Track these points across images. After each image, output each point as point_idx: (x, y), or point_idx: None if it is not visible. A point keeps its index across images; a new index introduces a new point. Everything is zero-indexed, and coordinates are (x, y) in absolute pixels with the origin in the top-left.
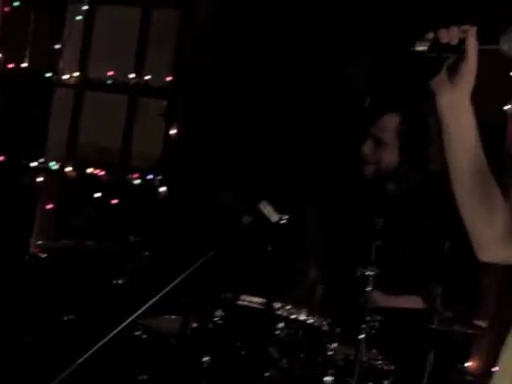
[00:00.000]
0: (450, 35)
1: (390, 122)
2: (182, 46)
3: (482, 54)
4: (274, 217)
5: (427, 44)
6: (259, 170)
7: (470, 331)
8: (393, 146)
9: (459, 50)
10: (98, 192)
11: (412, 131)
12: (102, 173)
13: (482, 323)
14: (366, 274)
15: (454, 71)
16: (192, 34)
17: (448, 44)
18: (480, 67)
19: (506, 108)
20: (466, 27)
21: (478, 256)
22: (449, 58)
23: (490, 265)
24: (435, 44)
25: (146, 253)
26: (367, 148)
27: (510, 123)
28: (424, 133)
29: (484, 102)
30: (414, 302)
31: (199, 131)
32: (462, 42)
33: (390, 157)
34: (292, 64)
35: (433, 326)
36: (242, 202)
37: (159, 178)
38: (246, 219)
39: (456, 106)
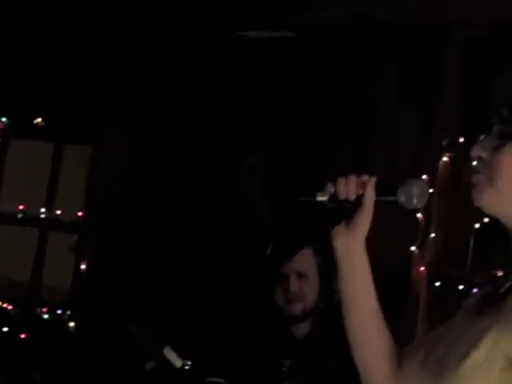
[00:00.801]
0: (348, 190)
1: (305, 255)
2: (93, 182)
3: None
4: (177, 362)
5: (327, 195)
6: (169, 310)
7: None
8: (314, 279)
9: (358, 201)
10: (5, 326)
11: (327, 262)
12: (10, 307)
13: None
14: None
15: (350, 218)
16: (103, 169)
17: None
18: (386, 209)
19: (412, 249)
20: (364, 178)
21: None
22: (348, 207)
23: None
24: (335, 197)
25: None
26: (293, 285)
27: (416, 265)
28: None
29: (390, 243)
30: None
31: (109, 265)
32: (361, 196)
33: (313, 291)
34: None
35: None
36: (151, 340)
37: (68, 312)
38: (150, 364)
39: (350, 251)
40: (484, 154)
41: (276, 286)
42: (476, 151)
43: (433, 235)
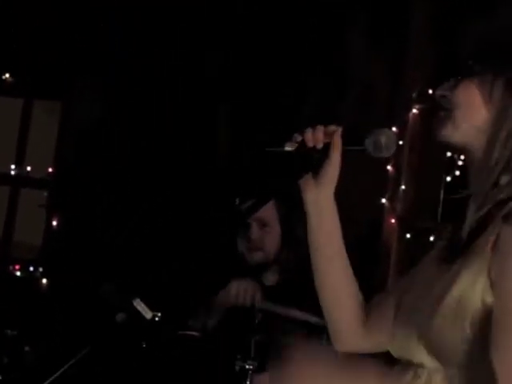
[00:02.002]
0: (315, 139)
1: (271, 205)
2: (63, 138)
3: (350, 152)
4: (147, 314)
5: (295, 145)
6: (139, 263)
7: None
8: (276, 229)
9: (325, 150)
10: None
11: (290, 213)
12: None
13: None
14: (246, 367)
15: (318, 168)
16: (73, 125)
17: (314, 147)
18: (356, 162)
19: (383, 201)
20: (331, 128)
21: (334, 345)
22: (316, 156)
23: None
24: (303, 146)
25: (26, 348)
26: (255, 233)
27: (387, 217)
28: (300, 215)
29: (361, 196)
30: None
31: (80, 221)
32: (328, 144)
33: (275, 241)
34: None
35: None
36: (122, 296)
37: (40, 269)
38: (120, 316)
39: (319, 203)
40: (445, 93)
41: (239, 234)
42: (438, 91)
43: (403, 188)
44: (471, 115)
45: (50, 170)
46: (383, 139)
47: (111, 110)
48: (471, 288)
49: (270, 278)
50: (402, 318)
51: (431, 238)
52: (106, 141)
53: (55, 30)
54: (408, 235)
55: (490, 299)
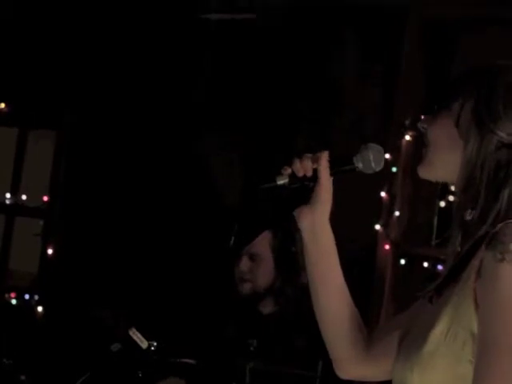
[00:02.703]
0: (304, 167)
1: (264, 238)
2: (57, 166)
3: (344, 175)
4: (143, 343)
5: (286, 178)
6: (134, 292)
7: None
8: (268, 261)
9: (316, 176)
10: None
11: (284, 244)
12: None
13: None
14: None
15: (311, 196)
16: (68, 154)
17: (305, 176)
18: (350, 189)
19: (377, 228)
20: (318, 154)
21: (336, 372)
22: (310, 184)
23: None
24: (294, 176)
25: (22, 377)
26: (243, 265)
27: (381, 243)
28: (294, 246)
29: (355, 223)
30: None
31: (76, 250)
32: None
33: (266, 272)
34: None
35: None
36: (118, 325)
37: (36, 297)
38: (116, 346)
39: (315, 228)
40: (423, 128)
41: (234, 268)
42: (419, 125)
43: (397, 214)
44: (444, 152)
45: (46, 198)
46: (371, 154)
47: (104, 138)
48: (457, 316)
49: (265, 307)
50: (402, 351)
51: (425, 264)
52: (101, 169)
53: (49, 60)
54: (402, 261)
55: (476, 329)
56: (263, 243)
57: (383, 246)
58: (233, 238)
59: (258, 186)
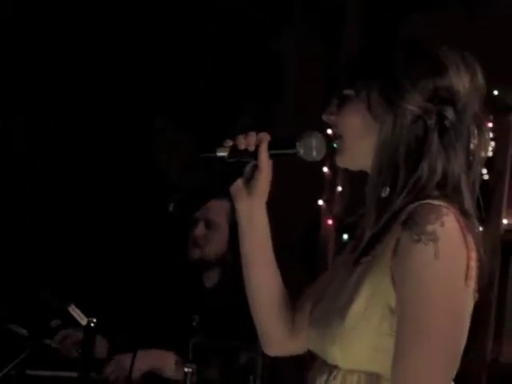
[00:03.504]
0: (247, 142)
1: (222, 206)
2: None
3: (284, 157)
4: (83, 320)
5: (227, 150)
6: (75, 269)
7: None
8: (223, 231)
9: (257, 153)
10: None
11: None
12: None
13: None
14: (185, 371)
15: (249, 178)
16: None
17: (246, 150)
18: (292, 165)
19: (319, 203)
20: (262, 134)
21: (265, 350)
22: (249, 162)
23: None
24: (235, 150)
25: None
26: (199, 230)
27: (324, 219)
28: None
29: (298, 199)
30: None
31: (22, 225)
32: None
33: (220, 241)
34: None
35: None
36: (59, 300)
37: None
38: (55, 322)
39: (252, 211)
40: (330, 120)
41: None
42: (325, 118)
43: (340, 189)
44: (362, 138)
45: None
46: (314, 142)
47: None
48: (375, 292)
49: (210, 279)
50: (316, 319)
51: None
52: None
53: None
54: (345, 236)
55: (394, 303)
56: (221, 212)
57: (326, 222)
58: (172, 204)
59: (198, 155)
